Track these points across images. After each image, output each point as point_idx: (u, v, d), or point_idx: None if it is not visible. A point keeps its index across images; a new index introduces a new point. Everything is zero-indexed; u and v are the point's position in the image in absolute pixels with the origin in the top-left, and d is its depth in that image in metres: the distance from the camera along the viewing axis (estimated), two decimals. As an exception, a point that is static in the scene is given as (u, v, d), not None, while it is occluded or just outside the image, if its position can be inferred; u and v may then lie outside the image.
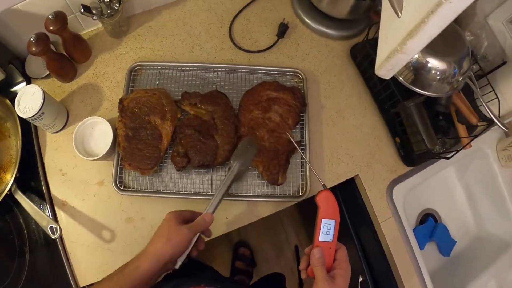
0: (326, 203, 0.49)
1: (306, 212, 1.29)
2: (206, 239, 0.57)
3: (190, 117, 0.66)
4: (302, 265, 0.50)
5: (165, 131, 0.64)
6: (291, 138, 0.63)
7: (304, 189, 0.66)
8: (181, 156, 0.62)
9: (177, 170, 0.64)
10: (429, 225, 0.83)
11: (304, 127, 0.69)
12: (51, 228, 0.64)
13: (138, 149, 0.63)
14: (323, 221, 0.49)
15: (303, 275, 0.50)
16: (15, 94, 0.77)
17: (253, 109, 0.66)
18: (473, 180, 0.86)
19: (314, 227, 0.49)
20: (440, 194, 0.87)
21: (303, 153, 0.66)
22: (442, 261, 0.85)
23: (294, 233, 1.40)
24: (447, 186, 0.88)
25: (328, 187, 0.52)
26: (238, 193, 0.66)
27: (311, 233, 1.51)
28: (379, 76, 0.53)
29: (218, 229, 0.66)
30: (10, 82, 0.77)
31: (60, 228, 0.64)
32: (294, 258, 1.37)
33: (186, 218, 0.53)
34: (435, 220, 0.85)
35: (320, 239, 0.48)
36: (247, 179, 0.67)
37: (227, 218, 0.66)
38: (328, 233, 0.48)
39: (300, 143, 0.67)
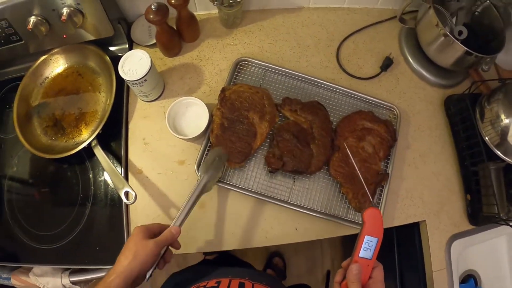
0: (373, 221, 0.49)
1: (348, 241, 1.29)
2: (176, 251, 0.58)
3: (289, 122, 0.68)
4: (338, 278, 0.50)
5: (260, 130, 0.66)
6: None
7: (377, 221, 0.67)
8: (277, 159, 0.64)
9: (269, 171, 0.66)
10: (469, 286, 0.84)
11: (389, 162, 0.70)
12: (126, 192, 0.65)
13: (230, 141, 0.65)
14: (366, 237, 0.48)
15: (336, 286, 0.50)
16: (113, 53, 0.80)
17: (348, 136, 0.68)
18: (521, 254, 0.87)
19: (356, 242, 0.49)
20: (487, 258, 0.87)
21: (381, 189, 0.68)
22: (471, 323, 0.85)
23: (330, 257, 1.41)
24: (495, 253, 0.88)
25: (373, 201, 0.54)
26: (313, 208, 0.67)
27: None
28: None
29: (284, 238, 0.67)
30: (112, 41, 0.79)
31: (136, 194, 0.64)
32: (324, 282, 1.37)
33: (154, 232, 0.52)
34: (476, 283, 0.86)
35: (360, 255, 0.48)
36: (327, 197, 0.69)
37: (296, 229, 0.67)
38: (368, 250, 0.48)
39: (387, 175, 0.68)
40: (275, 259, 1.34)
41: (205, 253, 1.25)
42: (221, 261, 0.97)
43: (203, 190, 0.59)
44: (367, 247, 0.48)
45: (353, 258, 0.48)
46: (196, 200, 0.57)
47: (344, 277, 0.48)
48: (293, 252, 1.41)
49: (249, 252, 1.37)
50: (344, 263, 0.50)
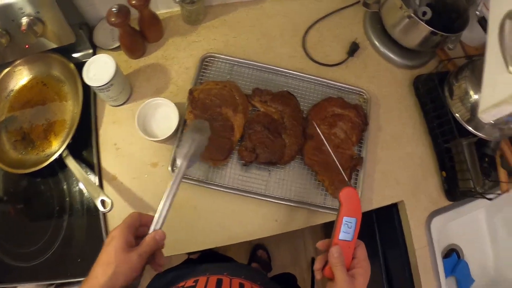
0: (349, 200, 0.47)
1: (329, 227, 1.30)
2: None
3: (260, 113, 0.68)
4: (318, 265, 0.48)
5: (237, 122, 0.66)
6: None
7: (355, 206, 0.68)
8: (249, 151, 0.64)
9: (243, 165, 0.66)
10: (452, 260, 0.86)
11: (362, 145, 0.71)
12: (102, 201, 0.64)
13: (210, 140, 0.64)
14: (345, 219, 0.47)
15: (318, 276, 0.48)
16: (76, 60, 0.78)
17: (319, 124, 0.68)
18: (500, 225, 0.89)
19: (334, 225, 0.48)
20: (467, 232, 0.89)
21: (357, 174, 0.69)
22: (458, 297, 0.87)
23: (312, 245, 1.42)
24: (475, 226, 0.90)
25: (348, 181, 0.52)
26: (291, 198, 0.67)
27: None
28: (481, 119, 0.57)
29: (265, 231, 0.67)
30: (75, 47, 0.77)
31: (112, 202, 0.63)
32: (309, 269, 1.38)
33: (135, 229, 0.46)
34: (458, 256, 0.88)
35: (340, 238, 0.46)
36: (304, 186, 0.68)
37: (276, 221, 0.67)
38: (348, 231, 0.46)
39: (361, 159, 0.69)
40: (259, 252, 1.35)
41: (189, 253, 1.24)
42: (205, 259, 0.96)
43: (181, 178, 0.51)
44: (347, 228, 0.47)
45: (332, 241, 0.47)
46: (177, 191, 0.50)
47: (325, 263, 0.47)
48: (275, 243, 1.42)
49: (232, 247, 1.35)
50: (320, 244, 0.49)
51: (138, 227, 0.46)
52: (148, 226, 0.47)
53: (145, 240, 0.44)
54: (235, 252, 1.39)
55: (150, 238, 0.45)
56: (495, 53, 0.55)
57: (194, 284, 0.49)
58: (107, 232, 0.68)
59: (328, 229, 1.35)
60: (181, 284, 0.51)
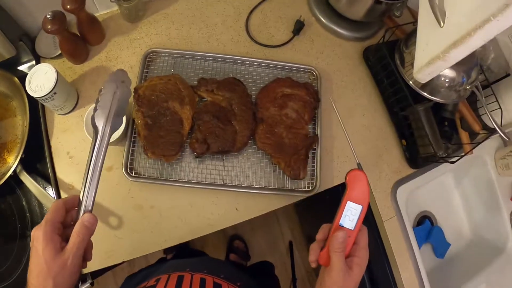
0: (356, 184, 0.42)
1: (301, 208, 1.31)
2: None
3: (207, 103, 0.66)
4: (313, 257, 0.44)
5: (185, 115, 0.64)
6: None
7: (314, 184, 0.67)
8: (200, 143, 0.62)
9: (196, 157, 0.65)
10: (425, 227, 0.86)
11: (316, 123, 0.70)
12: (59, 212, 0.64)
13: (160, 136, 0.63)
14: (349, 203, 0.42)
15: (313, 265, 0.45)
16: (22, 72, 0.76)
17: (269, 106, 0.67)
18: (470, 186, 0.90)
19: (338, 208, 0.43)
20: (438, 198, 0.90)
21: (313, 152, 0.68)
22: (436, 263, 0.88)
23: (288, 229, 1.42)
24: (444, 191, 0.91)
25: (359, 163, 0.45)
26: (249, 185, 0.66)
27: (306, 229, 1.53)
28: (417, 79, 0.56)
29: (226, 220, 0.66)
30: (18, 60, 0.75)
31: (70, 212, 0.63)
32: (288, 253, 1.39)
33: (59, 226, 0.39)
34: (431, 223, 0.88)
35: (340, 223, 0.42)
36: (260, 171, 0.67)
37: (237, 210, 0.66)
38: (351, 219, 0.42)
39: (316, 137, 0.68)
40: (235, 242, 1.35)
41: (165, 251, 1.24)
42: (179, 256, 0.96)
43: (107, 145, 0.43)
44: (350, 215, 0.42)
45: (333, 225, 0.42)
46: (102, 163, 0.42)
47: (321, 249, 0.43)
48: (251, 232, 1.42)
49: (208, 241, 1.38)
50: (319, 235, 0.44)
51: (64, 217, 0.40)
52: (76, 207, 0.41)
53: (74, 232, 0.39)
54: (212, 245, 1.39)
55: (78, 227, 0.39)
56: (426, 12, 0.54)
57: (155, 283, 0.48)
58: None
59: (301, 212, 1.36)
60: (143, 284, 0.51)
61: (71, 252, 0.38)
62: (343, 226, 0.42)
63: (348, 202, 0.42)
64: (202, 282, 0.48)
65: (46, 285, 0.36)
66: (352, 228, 0.42)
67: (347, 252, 0.42)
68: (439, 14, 0.52)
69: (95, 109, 0.45)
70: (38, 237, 0.37)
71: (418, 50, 0.56)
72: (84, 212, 0.41)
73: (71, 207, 0.42)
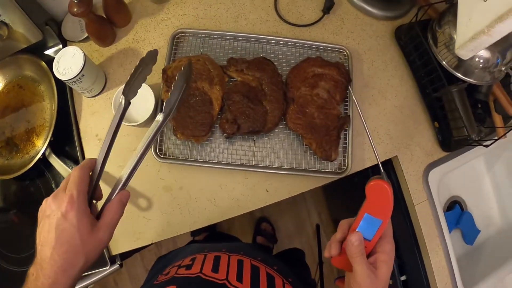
0: (377, 197, 0.37)
1: (330, 191, 1.28)
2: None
3: (237, 83, 0.65)
4: (328, 253, 0.41)
5: (214, 95, 0.64)
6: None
7: (346, 165, 0.66)
8: (230, 123, 0.62)
9: (225, 138, 0.64)
10: (455, 212, 0.84)
11: (348, 103, 0.68)
12: (89, 194, 0.64)
13: (190, 117, 0.62)
14: (366, 215, 0.38)
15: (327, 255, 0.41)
16: (49, 57, 0.76)
17: (300, 86, 0.65)
18: (502, 171, 0.87)
19: (357, 212, 0.40)
20: (468, 182, 0.87)
21: (345, 133, 0.66)
22: (465, 249, 0.86)
23: (316, 212, 1.41)
24: (475, 175, 0.88)
25: (384, 172, 0.40)
26: (279, 166, 0.65)
27: (334, 212, 1.51)
28: (459, 55, 0.54)
29: (256, 202, 0.65)
30: (45, 44, 0.75)
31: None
32: (315, 236, 1.38)
33: (88, 190, 0.38)
34: (462, 208, 0.86)
35: (357, 230, 0.38)
36: (291, 152, 0.66)
37: (267, 191, 0.66)
38: (368, 231, 0.38)
39: (348, 117, 0.66)
40: (262, 225, 1.34)
41: (193, 234, 1.24)
42: (208, 240, 0.96)
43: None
44: (367, 227, 0.38)
45: (351, 228, 0.39)
46: (150, 147, 0.44)
47: (340, 251, 0.40)
48: (278, 214, 1.41)
49: (236, 223, 1.37)
50: (338, 235, 0.40)
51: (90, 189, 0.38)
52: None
53: (111, 208, 0.37)
54: (239, 227, 1.39)
55: (116, 204, 0.37)
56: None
57: (191, 262, 0.48)
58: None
59: (329, 194, 1.34)
60: (178, 263, 0.50)
61: (107, 229, 0.36)
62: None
63: (366, 214, 0.38)
64: (240, 263, 0.48)
65: (76, 262, 0.34)
66: (369, 239, 0.38)
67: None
68: (483, -13, 0.49)
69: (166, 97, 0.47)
70: (69, 210, 0.34)
71: (459, 25, 0.54)
72: (120, 189, 0.40)
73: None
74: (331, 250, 0.41)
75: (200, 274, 0.42)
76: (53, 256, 0.33)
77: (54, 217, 0.34)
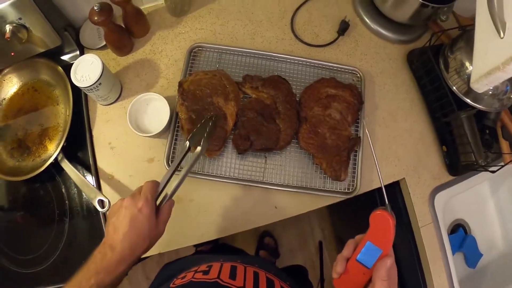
0: (379, 227, 0.38)
1: (334, 209, 1.29)
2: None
3: (252, 100, 0.66)
4: (336, 271, 0.41)
5: (229, 111, 0.65)
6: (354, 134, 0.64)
7: (355, 185, 0.67)
8: (244, 139, 0.63)
9: (238, 153, 0.65)
10: (459, 236, 0.85)
11: (359, 125, 0.69)
12: (100, 201, 0.65)
13: None
14: (368, 243, 0.39)
15: (335, 276, 0.42)
16: (65, 62, 0.78)
17: (313, 106, 0.66)
18: (506, 196, 0.88)
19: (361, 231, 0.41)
20: (473, 206, 0.88)
21: (355, 154, 0.68)
22: (467, 272, 0.86)
23: (319, 228, 1.42)
24: (480, 199, 0.89)
25: (388, 203, 0.40)
26: (289, 184, 0.66)
27: (337, 229, 1.51)
28: (474, 89, 0.55)
29: (265, 218, 0.66)
30: (62, 50, 0.76)
31: (109, 201, 0.64)
32: (317, 253, 1.38)
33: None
34: (465, 232, 0.87)
35: (357, 258, 0.39)
36: (302, 171, 0.67)
37: (276, 208, 0.66)
38: (369, 258, 0.39)
39: (358, 138, 0.67)
40: (266, 239, 1.35)
41: (196, 246, 1.24)
42: (215, 251, 0.96)
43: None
44: (368, 253, 0.39)
45: (354, 253, 0.40)
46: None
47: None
48: (282, 229, 1.42)
49: (239, 237, 1.38)
50: (345, 253, 0.41)
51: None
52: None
53: (165, 209, 0.48)
54: (243, 241, 1.39)
55: (168, 207, 0.49)
56: (485, 20, 0.53)
57: (207, 269, 0.48)
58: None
59: (334, 212, 1.35)
60: (194, 268, 0.51)
61: (163, 224, 0.48)
62: (360, 262, 0.39)
63: (368, 242, 0.39)
64: (256, 275, 0.48)
65: (142, 245, 0.44)
66: (369, 267, 0.39)
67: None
68: (499, 24, 0.51)
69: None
70: (144, 207, 0.45)
71: (475, 59, 0.56)
72: (169, 198, 0.50)
73: None
74: (337, 267, 0.42)
75: (217, 280, 0.43)
76: (125, 238, 0.43)
77: (130, 210, 0.45)
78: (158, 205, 0.49)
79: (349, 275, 0.40)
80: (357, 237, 0.42)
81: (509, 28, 0.48)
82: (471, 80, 0.55)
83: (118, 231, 0.44)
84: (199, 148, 0.53)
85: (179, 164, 0.52)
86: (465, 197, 0.85)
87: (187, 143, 0.54)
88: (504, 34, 0.49)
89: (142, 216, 0.45)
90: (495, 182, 0.88)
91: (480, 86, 0.54)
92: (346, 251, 0.41)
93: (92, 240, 0.69)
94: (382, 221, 0.38)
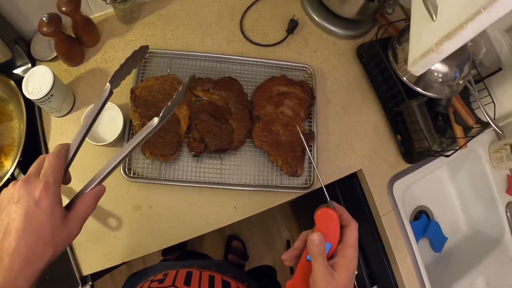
0: (325, 223, 0.39)
1: (298, 207, 1.31)
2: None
3: (204, 102, 0.67)
4: (288, 254, 0.41)
5: (182, 115, 0.65)
6: (301, 135, 0.62)
7: (312, 180, 0.68)
8: (198, 142, 0.63)
9: (193, 156, 0.65)
10: (422, 222, 0.87)
11: (312, 120, 0.71)
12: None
13: (159, 137, 0.63)
14: None
15: (286, 263, 0.42)
16: (18, 76, 0.76)
17: (265, 105, 0.67)
18: (465, 180, 0.91)
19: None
20: (433, 192, 0.91)
21: (310, 149, 0.69)
22: (434, 257, 0.89)
23: (286, 228, 1.43)
24: (440, 185, 0.92)
25: (330, 200, 0.41)
26: (247, 183, 0.67)
27: (303, 227, 1.53)
28: (411, 72, 0.57)
29: (225, 219, 0.66)
30: (14, 63, 0.75)
31: (65, 213, 0.63)
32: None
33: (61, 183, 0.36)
34: (428, 217, 0.89)
35: (308, 258, 0.39)
36: (258, 169, 0.68)
37: (235, 208, 0.67)
38: None
39: (312, 133, 0.68)
40: (233, 243, 1.35)
41: (164, 254, 1.24)
42: (181, 259, 0.96)
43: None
44: None
45: (301, 258, 0.40)
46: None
47: (299, 254, 0.41)
48: (249, 232, 1.42)
49: (207, 242, 1.38)
50: (297, 244, 0.41)
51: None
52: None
53: (86, 201, 0.35)
54: (210, 246, 1.39)
55: (92, 198, 0.36)
56: (419, 8, 0.55)
57: (163, 277, 0.48)
58: (71, 247, 0.66)
59: (297, 210, 1.36)
60: (151, 278, 0.51)
61: (78, 222, 0.34)
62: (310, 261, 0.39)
63: None
64: (211, 278, 0.48)
65: (44, 255, 0.31)
66: None
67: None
68: (431, 8, 0.53)
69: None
70: (43, 198, 0.32)
71: (412, 43, 0.57)
72: (98, 183, 0.38)
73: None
74: (284, 255, 0.41)
75: (172, 287, 0.43)
76: (18, 247, 0.30)
77: (24, 203, 0.31)
78: (78, 194, 0.36)
79: (302, 275, 0.40)
80: (303, 233, 0.42)
81: (440, 11, 0.50)
82: (408, 64, 0.57)
83: (8, 236, 0.30)
84: (156, 119, 0.42)
85: (94, 119, 0.42)
86: (425, 183, 0.87)
87: (108, 85, 0.43)
88: (436, 17, 0.51)
89: (41, 212, 0.31)
90: (453, 167, 0.91)
91: (416, 68, 0.56)
92: (297, 242, 0.41)
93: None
94: (326, 217, 0.39)
